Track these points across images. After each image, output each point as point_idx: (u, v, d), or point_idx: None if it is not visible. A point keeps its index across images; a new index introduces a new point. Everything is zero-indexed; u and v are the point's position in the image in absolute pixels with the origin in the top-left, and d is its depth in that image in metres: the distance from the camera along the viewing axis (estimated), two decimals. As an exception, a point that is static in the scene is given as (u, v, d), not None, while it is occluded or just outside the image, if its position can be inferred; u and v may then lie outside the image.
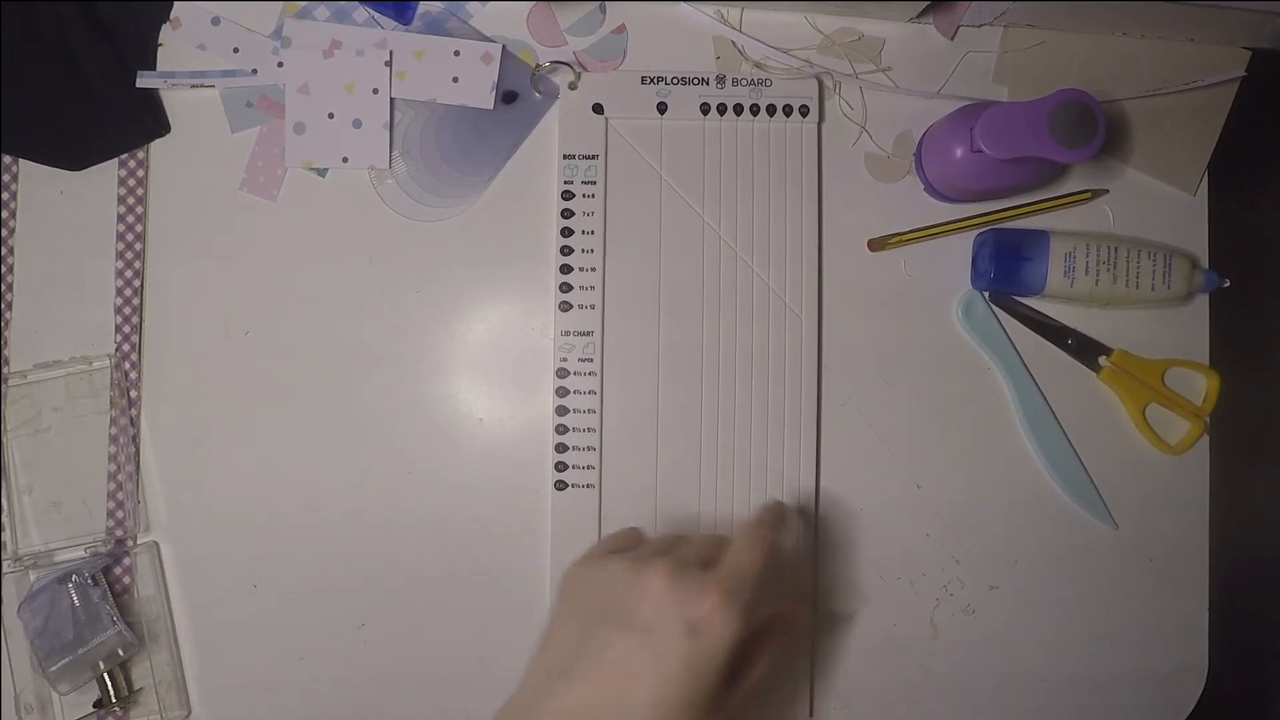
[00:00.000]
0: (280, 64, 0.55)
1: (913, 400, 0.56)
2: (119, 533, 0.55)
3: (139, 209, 0.56)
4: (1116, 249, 0.54)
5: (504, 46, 0.56)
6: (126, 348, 0.56)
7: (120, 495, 0.55)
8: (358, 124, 0.56)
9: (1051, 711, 0.56)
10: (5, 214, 0.56)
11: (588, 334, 0.55)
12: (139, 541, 0.55)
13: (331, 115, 0.56)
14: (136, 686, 0.55)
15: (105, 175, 0.56)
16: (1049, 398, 0.56)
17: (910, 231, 0.56)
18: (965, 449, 0.57)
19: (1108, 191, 0.57)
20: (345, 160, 0.56)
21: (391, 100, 0.56)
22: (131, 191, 0.56)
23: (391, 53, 0.55)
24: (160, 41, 0.56)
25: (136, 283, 0.56)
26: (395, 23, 0.56)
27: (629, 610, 0.40)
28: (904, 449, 0.56)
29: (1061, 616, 0.57)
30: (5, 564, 0.54)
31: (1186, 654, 0.56)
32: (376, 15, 0.56)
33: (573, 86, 0.56)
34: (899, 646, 0.56)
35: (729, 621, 0.39)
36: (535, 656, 0.43)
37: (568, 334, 0.55)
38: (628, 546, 0.46)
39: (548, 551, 0.55)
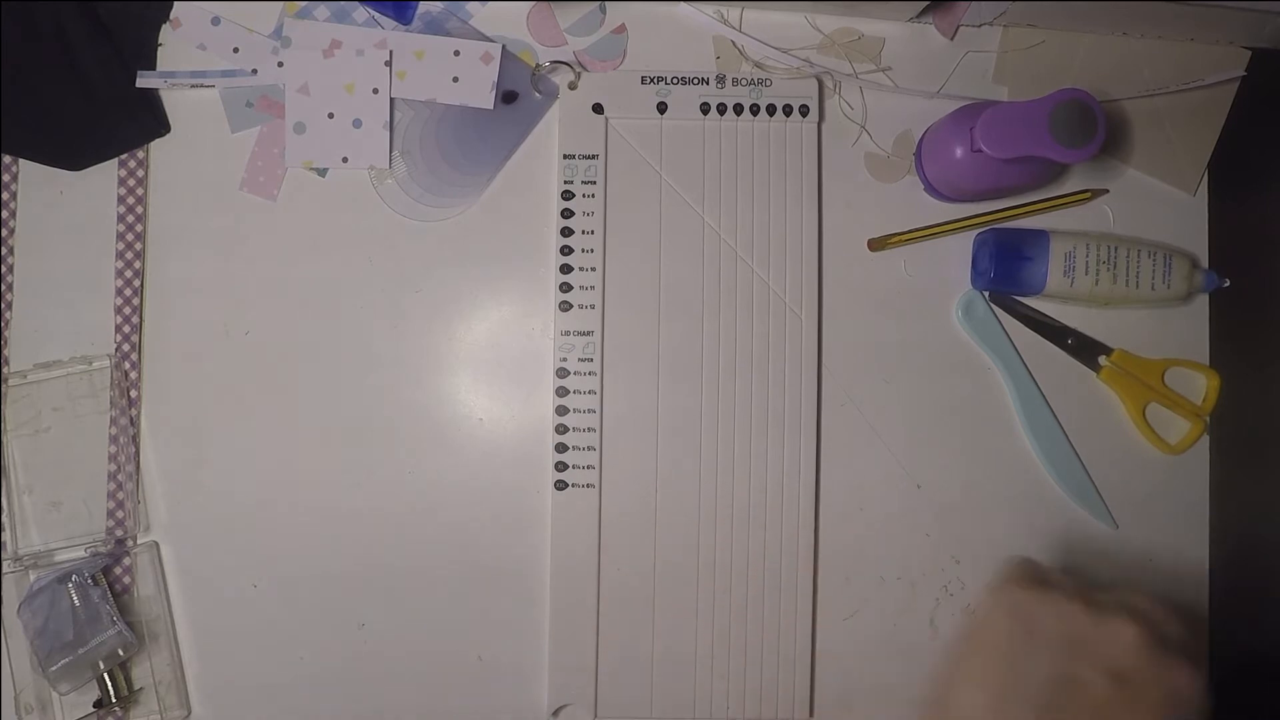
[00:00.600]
0: (280, 64, 0.55)
1: (913, 400, 0.56)
2: (119, 533, 0.55)
3: (139, 209, 0.56)
4: (1116, 249, 0.54)
5: (504, 46, 0.56)
6: (126, 348, 0.56)
7: (120, 495, 0.55)
8: (358, 124, 0.56)
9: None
10: (5, 214, 0.56)
11: (588, 334, 0.55)
12: (139, 541, 0.55)
13: (331, 115, 0.55)
14: (136, 686, 0.55)
15: (105, 175, 0.56)
16: (1049, 397, 0.56)
17: (910, 231, 0.57)
18: (965, 449, 0.57)
19: (1107, 191, 0.57)
20: (345, 160, 0.56)
21: (391, 100, 0.56)
22: (131, 191, 0.56)
23: (391, 52, 0.55)
24: (160, 41, 0.56)
25: (136, 283, 0.56)
26: (395, 23, 0.56)
27: (1103, 654, 0.39)
28: (904, 449, 0.56)
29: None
30: (5, 564, 0.54)
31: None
32: (376, 15, 0.56)
33: (573, 86, 0.56)
34: (899, 646, 0.56)
35: (1201, 706, 0.39)
36: (992, 675, 0.41)
37: (568, 334, 0.55)
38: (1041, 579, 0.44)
39: (548, 551, 0.55)
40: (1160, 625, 0.40)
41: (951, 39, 0.57)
